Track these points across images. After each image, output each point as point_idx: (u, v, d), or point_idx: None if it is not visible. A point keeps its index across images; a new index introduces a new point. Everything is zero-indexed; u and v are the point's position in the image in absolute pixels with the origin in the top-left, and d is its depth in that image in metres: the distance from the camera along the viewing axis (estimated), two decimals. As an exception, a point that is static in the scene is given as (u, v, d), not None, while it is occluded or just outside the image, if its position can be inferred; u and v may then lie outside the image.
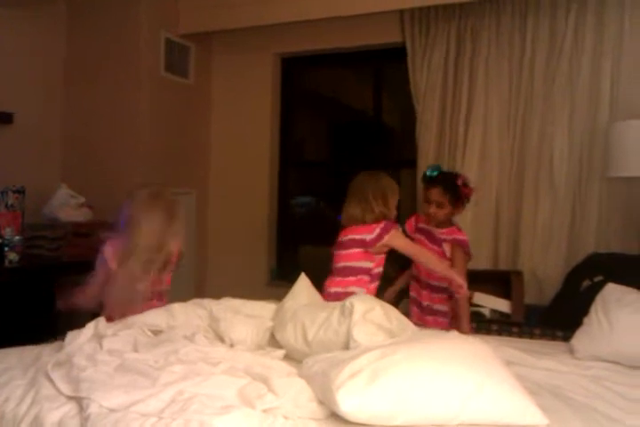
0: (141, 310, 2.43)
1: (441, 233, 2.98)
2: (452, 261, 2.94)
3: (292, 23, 4.07)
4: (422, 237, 3.03)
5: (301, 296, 2.43)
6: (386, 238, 2.67)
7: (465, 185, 2.98)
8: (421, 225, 3.06)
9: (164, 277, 2.70)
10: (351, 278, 2.72)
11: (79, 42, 4.20)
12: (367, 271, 2.74)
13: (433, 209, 2.92)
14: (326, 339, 2.04)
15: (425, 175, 3.02)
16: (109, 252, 2.64)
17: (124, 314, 2.50)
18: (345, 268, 2.74)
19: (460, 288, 2.65)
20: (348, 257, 2.74)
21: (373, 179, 2.82)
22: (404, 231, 3.01)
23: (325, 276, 2.84)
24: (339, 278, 2.74)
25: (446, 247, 2.96)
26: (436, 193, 2.92)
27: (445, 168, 3.81)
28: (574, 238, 3.52)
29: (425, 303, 3.01)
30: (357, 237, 2.72)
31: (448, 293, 2.95)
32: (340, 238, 2.80)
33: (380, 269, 2.79)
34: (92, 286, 2.65)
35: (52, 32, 4.17)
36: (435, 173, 2.99)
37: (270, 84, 4.56)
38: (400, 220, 3.03)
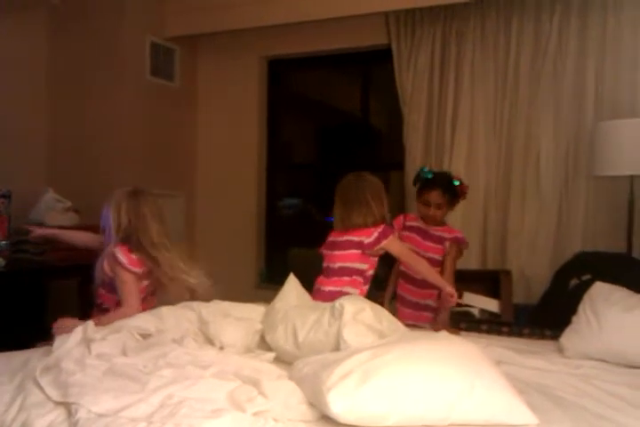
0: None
1: (436, 230, 3.04)
2: (445, 256, 3.01)
3: (279, 26, 4.08)
4: (413, 235, 3.05)
5: (291, 297, 2.43)
6: (383, 243, 2.67)
7: (461, 183, 3.03)
8: (411, 223, 3.09)
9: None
10: (346, 279, 2.71)
11: (63, 46, 4.18)
12: (361, 273, 2.73)
13: (432, 211, 2.97)
14: (316, 340, 2.04)
15: (420, 177, 3.04)
16: (131, 260, 2.57)
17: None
18: (341, 268, 2.72)
19: (451, 297, 2.64)
20: (344, 258, 2.72)
21: (367, 181, 2.78)
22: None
23: (315, 277, 2.83)
24: (335, 278, 2.72)
25: (447, 246, 3.02)
26: (436, 195, 2.95)
27: (433, 169, 3.84)
28: (561, 237, 3.54)
29: (414, 300, 3.04)
30: (355, 239, 2.70)
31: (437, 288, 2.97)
32: (333, 238, 2.79)
33: (372, 272, 2.78)
34: (133, 307, 2.54)
35: (34, 37, 4.15)
36: (429, 175, 3.02)
37: (257, 87, 4.55)
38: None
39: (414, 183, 3.10)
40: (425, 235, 3.04)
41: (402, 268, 3.08)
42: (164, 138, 4.37)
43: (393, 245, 2.70)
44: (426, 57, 3.88)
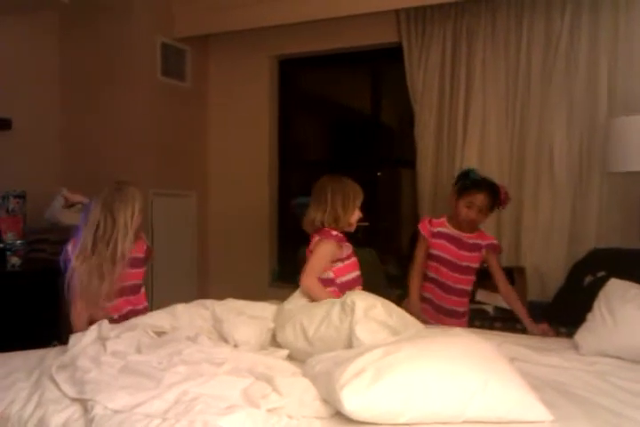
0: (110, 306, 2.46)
1: (470, 237, 2.93)
2: (490, 267, 2.94)
3: (289, 25, 4.08)
4: (447, 244, 2.93)
5: (301, 300, 2.43)
6: (313, 243, 2.58)
7: (505, 193, 2.95)
8: (441, 229, 2.95)
9: (126, 271, 2.62)
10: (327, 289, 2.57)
11: (75, 47, 4.21)
12: (331, 282, 2.59)
13: (475, 214, 2.86)
14: (327, 335, 2.04)
15: (469, 177, 2.94)
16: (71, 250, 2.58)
17: (92, 311, 2.51)
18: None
19: None
20: None
21: (335, 181, 2.68)
22: (420, 234, 2.95)
23: None
24: None
25: (485, 253, 2.93)
26: (482, 198, 2.85)
27: (445, 167, 3.84)
28: (575, 234, 3.53)
29: (442, 304, 2.94)
30: (310, 248, 2.63)
31: (469, 295, 2.96)
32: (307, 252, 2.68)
33: (346, 278, 2.63)
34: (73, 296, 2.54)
35: (46, 39, 4.18)
36: (478, 176, 2.94)
37: (267, 86, 4.56)
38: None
39: (456, 183, 2.99)
40: (459, 243, 2.92)
41: (430, 273, 2.97)
42: (176, 138, 4.39)
43: (319, 245, 2.56)
44: (437, 55, 3.87)
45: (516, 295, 2.90)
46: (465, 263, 2.92)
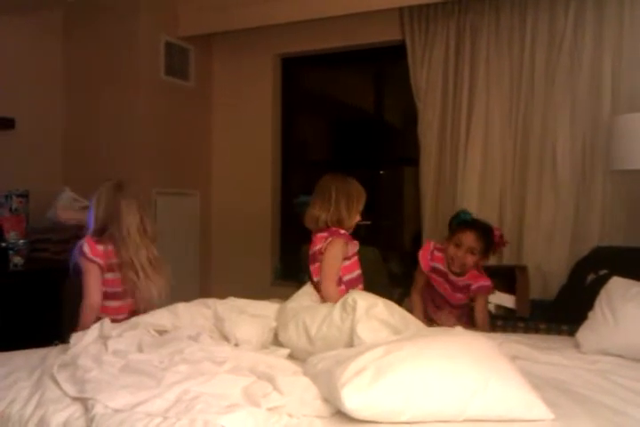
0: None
1: (460, 280, 2.86)
2: (475, 307, 2.84)
3: (292, 23, 4.07)
4: (441, 280, 2.89)
5: (304, 299, 2.44)
6: (323, 245, 2.58)
7: (501, 237, 2.89)
8: (437, 265, 2.90)
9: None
10: None
11: (78, 46, 4.21)
12: (339, 281, 2.61)
13: (462, 254, 2.77)
14: (330, 335, 2.04)
15: (458, 218, 2.90)
16: (91, 249, 2.58)
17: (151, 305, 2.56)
18: (319, 282, 2.60)
19: None
20: (315, 272, 2.64)
21: (340, 180, 2.68)
22: (418, 264, 2.91)
23: None
24: (322, 292, 2.56)
25: (472, 295, 2.86)
26: (470, 238, 2.77)
27: (448, 166, 3.83)
28: (578, 232, 3.51)
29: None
30: (316, 248, 2.62)
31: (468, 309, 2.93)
32: (311, 250, 2.68)
33: (351, 276, 2.66)
34: (92, 297, 2.57)
35: (49, 38, 4.19)
36: (469, 217, 2.89)
37: (271, 85, 4.56)
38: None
39: (450, 224, 2.94)
40: (453, 285, 2.87)
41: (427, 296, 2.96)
42: (180, 137, 4.39)
43: (330, 247, 2.56)
44: (440, 53, 3.86)
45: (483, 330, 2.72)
46: (457, 302, 2.90)
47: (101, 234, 2.63)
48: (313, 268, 2.64)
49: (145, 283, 2.61)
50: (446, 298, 2.91)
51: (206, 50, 4.64)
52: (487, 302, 2.90)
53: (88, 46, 4.19)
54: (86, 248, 2.58)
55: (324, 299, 2.51)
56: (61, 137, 4.27)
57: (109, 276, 2.62)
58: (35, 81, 4.09)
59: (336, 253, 2.56)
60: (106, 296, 2.61)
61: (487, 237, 2.81)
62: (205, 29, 4.36)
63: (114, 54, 4.11)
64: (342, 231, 2.59)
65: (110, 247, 2.60)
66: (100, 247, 2.59)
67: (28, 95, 4.02)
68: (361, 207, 2.67)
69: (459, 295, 2.88)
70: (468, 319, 2.92)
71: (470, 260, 2.78)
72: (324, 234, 2.60)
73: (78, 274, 2.66)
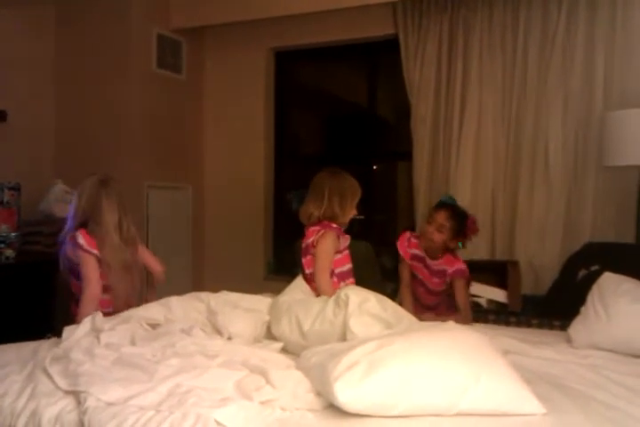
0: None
1: (437, 265, 2.91)
2: (455, 292, 2.87)
3: (285, 17, 4.06)
4: (420, 266, 2.94)
5: (295, 292, 2.44)
6: (315, 238, 2.62)
7: (473, 223, 2.91)
8: (415, 251, 2.95)
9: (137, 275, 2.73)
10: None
11: (70, 39, 4.18)
12: (331, 273, 2.64)
13: (432, 230, 2.83)
14: (322, 330, 2.05)
15: (440, 201, 2.97)
16: (89, 242, 2.58)
17: (128, 304, 2.55)
18: (312, 274, 2.65)
19: None
20: (307, 264, 2.68)
21: (335, 177, 2.72)
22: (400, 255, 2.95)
23: None
24: (314, 284, 2.61)
25: (449, 280, 2.89)
26: (441, 215, 2.83)
27: (441, 160, 3.84)
28: (570, 228, 3.53)
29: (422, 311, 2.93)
30: (309, 241, 2.67)
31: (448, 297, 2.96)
32: (303, 243, 2.73)
33: (342, 269, 2.70)
34: (92, 289, 2.56)
35: (41, 30, 4.16)
36: (450, 200, 2.94)
37: (264, 79, 4.54)
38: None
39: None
40: (430, 270, 2.92)
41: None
42: (172, 130, 4.38)
43: (322, 241, 2.60)
44: (433, 47, 3.86)
45: (460, 320, 2.62)
46: (437, 288, 2.93)
47: (83, 227, 2.63)
48: (305, 260, 2.68)
49: (116, 284, 2.61)
50: (426, 285, 2.93)
51: (199, 43, 4.62)
52: (466, 287, 2.94)
53: (80, 39, 4.16)
54: (81, 240, 2.57)
55: (316, 291, 2.54)
56: (53, 130, 4.24)
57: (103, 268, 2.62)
58: (27, 74, 4.06)
59: (328, 245, 2.60)
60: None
61: (459, 218, 2.85)
62: (198, 22, 4.33)
63: (106, 47, 4.08)
64: (334, 225, 2.64)
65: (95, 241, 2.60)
66: (93, 240, 2.59)
67: (20, 88, 3.99)
68: (355, 203, 2.71)
69: (435, 280, 2.91)
70: (447, 308, 2.96)
71: (438, 237, 2.83)
72: (317, 227, 2.64)
73: (70, 268, 2.66)
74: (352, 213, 2.71)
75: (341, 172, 2.76)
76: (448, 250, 2.90)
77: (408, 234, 3.01)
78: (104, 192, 2.65)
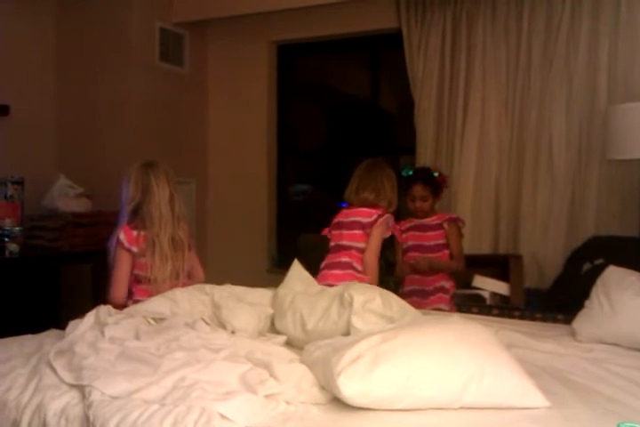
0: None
1: (431, 220, 3.22)
2: (448, 240, 3.18)
3: (288, 10, 4.05)
4: (413, 232, 3.25)
5: (294, 283, 2.44)
6: (379, 221, 2.85)
7: (440, 175, 3.26)
8: (407, 225, 3.28)
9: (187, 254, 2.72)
10: (353, 253, 2.88)
11: (72, 32, 4.18)
12: (362, 251, 2.88)
13: (419, 203, 3.18)
14: (325, 330, 2.05)
15: (402, 175, 3.22)
16: (127, 236, 2.57)
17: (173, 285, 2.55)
18: (349, 246, 2.88)
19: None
20: (350, 237, 2.89)
21: (385, 168, 2.99)
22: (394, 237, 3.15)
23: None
24: (344, 252, 2.87)
25: (446, 226, 3.19)
26: (418, 189, 3.16)
27: (444, 154, 3.83)
28: (574, 222, 3.52)
29: (426, 287, 3.13)
30: (360, 219, 2.88)
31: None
32: (339, 219, 2.97)
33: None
34: (117, 291, 2.57)
35: (43, 23, 4.15)
36: (410, 172, 3.25)
37: (266, 72, 4.54)
38: (404, 209, 3.15)
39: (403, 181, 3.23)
40: (423, 227, 3.22)
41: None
42: (175, 124, 4.37)
43: (378, 229, 2.85)
44: (436, 40, 3.84)
45: (454, 265, 3.16)
46: (433, 242, 3.19)
47: (135, 215, 2.61)
48: (349, 233, 2.89)
49: (160, 264, 2.59)
50: (421, 247, 3.19)
51: (201, 36, 4.61)
52: (459, 234, 3.23)
53: (82, 32, 4.15)
54: (122, 236, 2.57)
55: (364, 264, 2.82)
56: (56, 124, 4.24)
57: (142, 260, 2.59)
58: (29, 67, 4.06)
59: (384, 230, 2.89)
60: (138, 280, 2.60)
61: (431, 182, 3.19)
62: (200, 15, 4.33)
63: (108, 40, 4.08)
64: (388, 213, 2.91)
65: (142, 232, 2.58)
66: (134, 233, 2.57)
67: (21, 82, 3.99)
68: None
69: (431, 233, 3.20)
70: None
71: (426, 205, 3.19)
72: (374, 210, 2.86)
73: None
74: (396, 203, 2.99)
75: (385, 163, 3.05)
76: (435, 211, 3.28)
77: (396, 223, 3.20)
78: (151, 171, 2.63)
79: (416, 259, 3.14)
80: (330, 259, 2.91)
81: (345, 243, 2.89)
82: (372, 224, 2.85)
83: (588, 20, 3.46)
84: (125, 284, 2.58)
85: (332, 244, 2.96)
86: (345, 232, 2.91)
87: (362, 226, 2.87)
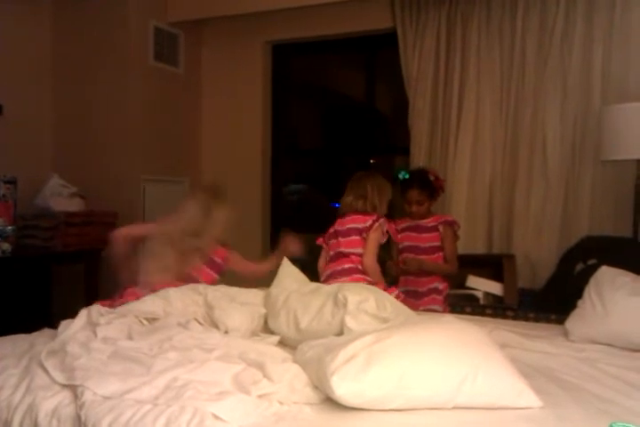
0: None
1: (427, 222, 3.26)
2: (443, 242, 3.22)
3: (283, 10, 4.04)
4: (408, 233, 3.30)
5: (286, 282, 2.45)
6: (375, 226, 2.94)
7: (437, 178, 3.28)
8: (402, 225, 3.32)
9: (195, 263, 2.88)
10: (354, 258, 2.95)
11: (67, 31, 4.17)
12: (361, 255, 2.97)
13: (415, 208, 3.21)
14: (319, 330, 2.04)
15: (397, 179, 3.27)
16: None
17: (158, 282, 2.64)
18: (348, 253, 2.96)
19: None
20: (348, 244, 2.97)
21: (372, 176, 3.09)
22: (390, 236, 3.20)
23: (316, 262, 3.09)
24: (344, 259, 2.95)
25: (442, 229, 3.22)
26: (414, 194, 3.20)
27: (439, 154, 3.83)
28: (567, 222, 3.53)
29: (423, 289, 3.17)
30: (356, 225, 2.97)
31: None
32: (335, 229, 3.05)
33: None
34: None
35: (38, 23, 4.13)
36: (406, 176, 3.29)
37: (261, 72, 4.53)
38: (397, 209, 3.18)
39: (398, 184, 3.28)
40: (418, 228, 3.26)
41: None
42: (169, 123, 4.36)
43: (378, 229, 2.95)
44: (431, 40, 3.85)
45: (445, 267, 3.21)
46: (428, 244, 3.23)
47: None
48: (345, 241, 2.97)
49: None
50: (416, 249, 3.24)
51: (196, 36, 4.60)
52: (454, 237, 3.27)
53: (77, 31, 4.14)
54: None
55: (364, 268, 2.90)
56: (50, 123, 4.23)
57: None
58: (23, 67, 4.04)
59: (380, 234, 2.97)
60: None
61: (427, 186, 3.23)
62: (195, 15, 4.31)
63: (103, 40, 4.06)
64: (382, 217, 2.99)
65: None
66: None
67: (16, 81, 3.97)
68: (387, 202, 3.07)
69: (426, 235, 3.24)
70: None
71: (423, 208, 3.23)
72: (367, 217, 2.95)
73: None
74: (385, 209, 3.04)
75: (378, 173, 3.14)
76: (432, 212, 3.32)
77: (392, 222, 3.30)
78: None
79: (405, 260, 3.18)
80: (332, 267, 2.97)
81: (344, 250, 2.96)
82: (368, 229, 2.93)
83: (581, 20, 3.47)
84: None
85: (331, 252, 3.03)
86: (342, 239, 2.98)
87: (359, 231, 2.95)
